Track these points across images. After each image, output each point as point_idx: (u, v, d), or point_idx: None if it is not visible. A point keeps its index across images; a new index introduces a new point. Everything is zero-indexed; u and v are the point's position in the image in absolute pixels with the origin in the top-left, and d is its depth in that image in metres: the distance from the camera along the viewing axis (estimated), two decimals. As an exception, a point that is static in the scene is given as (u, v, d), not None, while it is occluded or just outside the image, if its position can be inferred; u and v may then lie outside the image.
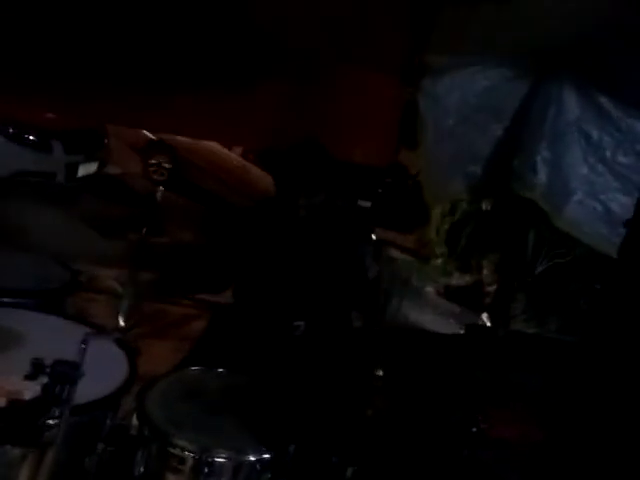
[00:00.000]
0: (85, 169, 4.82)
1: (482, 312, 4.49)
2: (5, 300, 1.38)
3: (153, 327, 3.46)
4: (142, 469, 1.34)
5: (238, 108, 2.51)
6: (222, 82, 2.37)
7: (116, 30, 2.22)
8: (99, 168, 5.02)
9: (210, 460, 1.31)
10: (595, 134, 2.43)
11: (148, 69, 2.34)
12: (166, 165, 5.65)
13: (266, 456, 1.37)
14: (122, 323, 1.15)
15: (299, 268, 1.84)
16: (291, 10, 1.98)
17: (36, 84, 2.35)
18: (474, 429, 1.61)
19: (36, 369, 0.98)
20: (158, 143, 5.64)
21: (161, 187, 1.26)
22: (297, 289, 1.85)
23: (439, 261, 6.35)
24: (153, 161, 5.73)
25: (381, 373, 1.58)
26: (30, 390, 0.99)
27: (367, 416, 1.57)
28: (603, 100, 2.35)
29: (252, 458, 1.36)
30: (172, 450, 1.31)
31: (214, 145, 5.70)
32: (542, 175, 2.45)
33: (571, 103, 2.38)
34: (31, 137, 4.40)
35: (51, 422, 0.98)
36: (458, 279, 6.21)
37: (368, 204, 7.13)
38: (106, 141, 5.07)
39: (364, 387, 1.59)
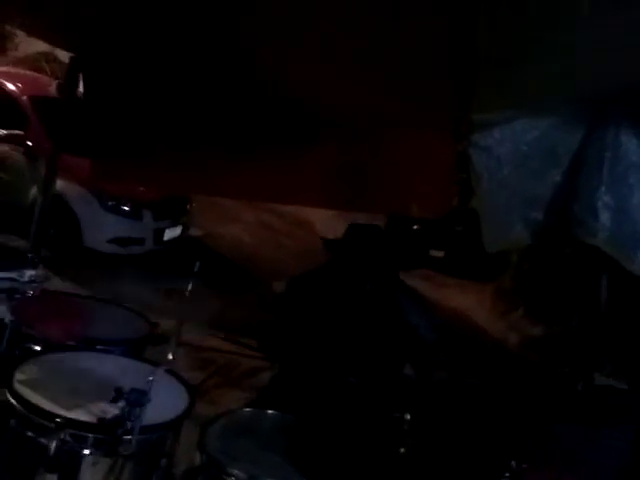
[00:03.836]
0: (170, 233, 5.58)
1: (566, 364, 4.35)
2: (99, 347, 1.85)
3: (226, 378, 3.87)
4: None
5: (293, 172, 2.88)
6: (276, 149, 2.74)
7: (184, 115, 2.74)
8: (183, 232, 5.76)
9: (258, 488, 1.60)
10: (661, 174, 2.46)
11: (219, 144, 2.82)
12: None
13: (308, 488, 1.63)
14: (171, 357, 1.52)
15: (355, 334, 2.16)
16: (334, 82, 2.24)
17: (127, 165, 2.95)
18: (507, 474, 1.71)
19: (118, 395, 1.38)
20: None
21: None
22: (352, 351, 2.16)
23: (519, 311, 6.19)
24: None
25: (408, 417, 1.77)
26: (113, 411, 1.39)
27: (400, 455, 1.75)
28: (664, 140, 2.39)
29: (296, 489, 1.63)
30: (226, 478, 1.60)
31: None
32: (605, 220, 2.47)
33: (630, 146, 2.41)
34: (125, 208, 5.25)
35: (127, 437, 1.36)
36: (543, 329, 5.99)
37: (441, 254, 7.19)
38: (189, 206, 5.85)
39: (396, 429, 1.79)
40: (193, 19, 1.91)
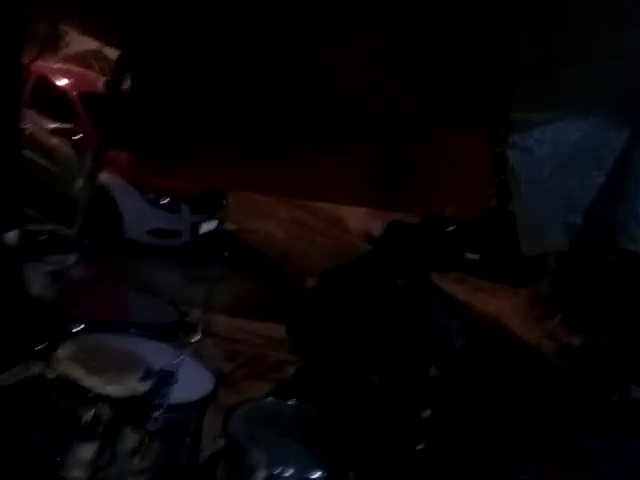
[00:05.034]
0: (206, 227, 5.76)
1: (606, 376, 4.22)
2: (132, 330, 1.98)
3: (254, 369, 3.98)
4: (224, 475, 1.74)
5: (331, 170, 2.94)
6: (312, 147, 2.78)
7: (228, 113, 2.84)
8: (218, 226, 5.94)
9: (277, 473, 1.65)
10: None
11: (255, 141, 2.92)
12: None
13: (325, 476, 1.68)
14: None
15: (382, 332, 2.21)
16: (371, 81, 2.26)
17: (165, 161, 3.09)
18: (523, 477, 1.72)
19: (147, 374, 1.49)
20: None
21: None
22: (378, 349, 2.20)
23: (557, 318, 6.05)
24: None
25: (427, 414, 1.80)
26: (142, 388, 1.50)
27: (417, 450, 1.80)
28: None
29: (314, 476, 1.68)
30: (247, 461, 1.68)
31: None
32: (648, 226, 2.42)
33: (677, 148, 2.35)
34: (165, 201, 5.46)
35: (155, 413, 1.46)
36: (581, 339, 5.84)
37: (476, 257, 7.08)
38: (224, 201, 6.02)
39: (414, 425, 1.83)
40: (233, 20, 2.00)
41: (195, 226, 5.62)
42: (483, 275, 7.02)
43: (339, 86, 2.23)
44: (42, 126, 5.65)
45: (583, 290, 5.72)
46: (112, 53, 6.10)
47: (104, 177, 3.99)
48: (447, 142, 2.68)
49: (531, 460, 1.81)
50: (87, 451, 1.51)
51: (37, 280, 1.94)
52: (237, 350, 4.09)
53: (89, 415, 1.49)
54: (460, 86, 2.05)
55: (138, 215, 5.37)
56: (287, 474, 1.66)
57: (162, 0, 2.04)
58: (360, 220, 7.08)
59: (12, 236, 1.86)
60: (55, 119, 5.67)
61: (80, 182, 5.28)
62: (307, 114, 2.57)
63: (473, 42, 1.81)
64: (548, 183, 2.49)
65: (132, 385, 1.55)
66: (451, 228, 6.90)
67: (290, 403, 2.02)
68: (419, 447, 1.79)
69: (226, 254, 1.69)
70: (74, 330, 1.84)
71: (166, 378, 1.46)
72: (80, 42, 7.53)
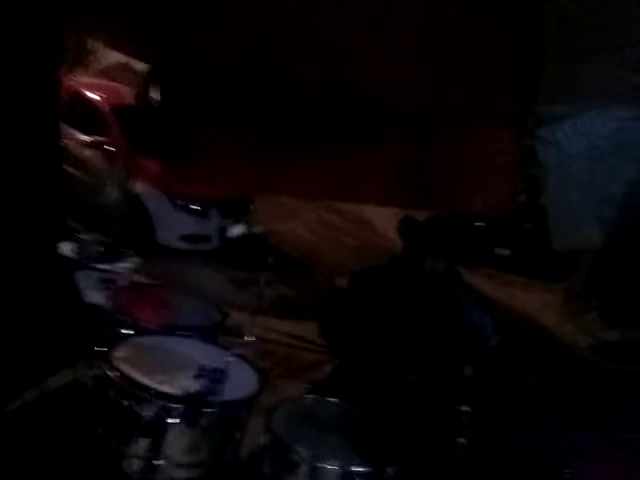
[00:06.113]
0: (235, 231, 5.89)
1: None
2: (179, 332, 2.07)
3: (287, 368, 4.07)
4: (268, 470, 1.82)
5: (357, 171, 2.99)
6: (339, 147, 2.81)
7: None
8: (246, 229, 6.06)
9: (319, 466, 1.73)
10: None
11: (281, 145, 2.99)
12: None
13: (367, 470, 1.75)
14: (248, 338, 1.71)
15: (415, 332, 2.25)
16: (398, 79, 2.14)
17: (196, 167, 3.20)
18: (567, 471, 1.74)
19: (200, 373, 1.58)
20: None
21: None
22: (412, 350, 2.25)
23: (593, 313, 5.96)
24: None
25: (466, 409, 1.84)
26: (195, 386, 1.60)
27: (458, 446, 1.84)
28: None
29: (354, 469, 1.75)
30: (290, 456, 1.75)
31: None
32: (686, 220, 2.36)
33: None
34: (194, 207, 5.61)
35: (208, 410, 1.56)
36: (619, 334, 5.74)
37: (506, 252, 6.97)
38: (251, 205, 6.14)
39: (453, 421, 1.87)
40: (260, 25, 2.07)
41: (224, 230, 5.75)
42: (514, 271, 6.93)
43: (365, 87, 2.26)
44: (74, 139, 5.86)
45: (620, 285, 5.63)
46: (140, 66, 6.29)
47: (136, 186, 4.12)
48: (474, 138, 2.65)
49: (573, 455, 1.82)
50: (144, 445, 1.61)
51: (90, 288, 2.06)
52: (269, 350, 4.18)
53: (146, 412, 1.59)
54: (488, 80, 2.03)
55: (169, 222, 5.51)
56: (329, 468, 1.72)
57: (185, 16, 2.14)
58: (387, 221, 7.10)
59: (66, 247, 1.98)
60: (87, 132, 5.86)
61: (113, 192, 5.50)
62: (334, 115, 2.61)
63: (497, 34, 1.82)
64: (580, 177, 2.43)
65: (185, 384, 1.65)
66: (479, 224, 6.83)
67: (330, 401, 2.09)
68: (461, 441, 1.83)
69: (271, 260, 1.78)
70: (126, 333, 1.96)
71: (218, 376, 1.55)
72: (109, 56, 7.75)
